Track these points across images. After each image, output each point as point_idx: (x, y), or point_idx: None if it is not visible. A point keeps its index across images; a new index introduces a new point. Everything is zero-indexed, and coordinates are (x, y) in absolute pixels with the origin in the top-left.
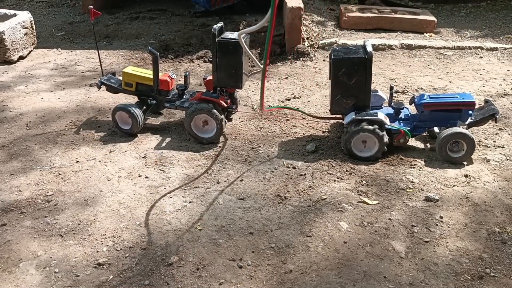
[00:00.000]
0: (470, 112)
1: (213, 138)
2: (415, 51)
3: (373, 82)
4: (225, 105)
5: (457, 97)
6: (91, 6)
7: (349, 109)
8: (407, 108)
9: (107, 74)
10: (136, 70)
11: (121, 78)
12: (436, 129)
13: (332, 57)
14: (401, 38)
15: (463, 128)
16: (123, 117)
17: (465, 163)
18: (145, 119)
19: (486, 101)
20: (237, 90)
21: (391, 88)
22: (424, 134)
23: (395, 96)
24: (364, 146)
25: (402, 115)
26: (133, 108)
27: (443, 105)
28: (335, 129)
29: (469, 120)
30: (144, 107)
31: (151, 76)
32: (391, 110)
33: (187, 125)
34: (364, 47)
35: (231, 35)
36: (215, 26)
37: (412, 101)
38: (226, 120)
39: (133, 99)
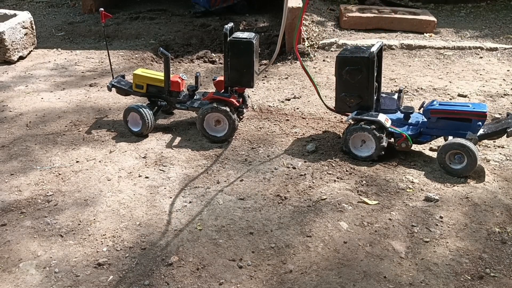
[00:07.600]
0: (480, 123)
1: (225, 136)
2: (415, 51)
3: None
4: (237, 104)
5: (468, 106)
6: (102, 9)
7: (353, 108)
8: (420, 113)
9: (117, 77)
10: (147, 72)
11: (131, 80)
12: (450, 138)
13: (338, 55)
14: (401, 38)
15: (468, 140)
16: (135, 118)
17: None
18: (156, 120)
19: (508, 114)
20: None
21: (400, 91)
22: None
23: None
24: (361, 146)
25: (412, 120)
26: (143, 109)
27: (450, 112)
28: (335, 129)
29: (481, 132)
30: (155, 109)
31: (162, 78)
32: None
33: (199, 124)
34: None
35: (242, 34)
36: (226, 26)
37: (421, 107)
38: (238, 119)
39: (136, 100)
